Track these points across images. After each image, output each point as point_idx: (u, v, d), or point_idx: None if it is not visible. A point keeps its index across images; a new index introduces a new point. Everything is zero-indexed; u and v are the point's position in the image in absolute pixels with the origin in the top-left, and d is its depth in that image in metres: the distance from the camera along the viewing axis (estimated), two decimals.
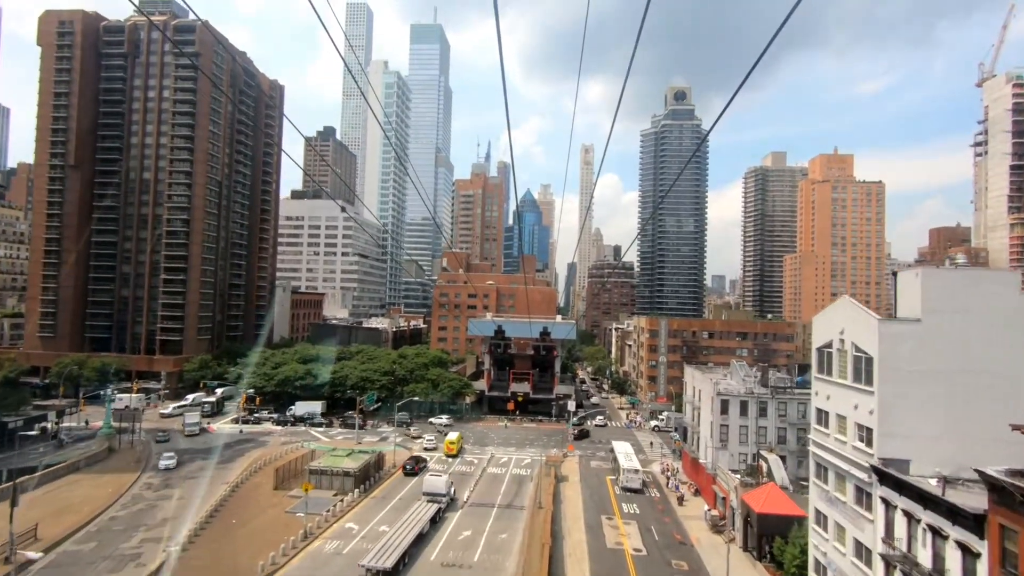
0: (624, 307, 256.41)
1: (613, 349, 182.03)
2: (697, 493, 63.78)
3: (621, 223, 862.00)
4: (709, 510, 56.81)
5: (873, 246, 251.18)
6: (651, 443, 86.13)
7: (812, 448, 36.77)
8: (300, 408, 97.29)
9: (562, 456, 76.47)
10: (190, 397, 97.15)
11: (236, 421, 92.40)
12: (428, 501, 52.51)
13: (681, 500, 61.27)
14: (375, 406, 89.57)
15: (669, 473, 69.26)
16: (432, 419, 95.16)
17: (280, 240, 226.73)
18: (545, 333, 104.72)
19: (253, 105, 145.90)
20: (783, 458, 57.18)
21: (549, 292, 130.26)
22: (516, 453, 79.66)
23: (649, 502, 61.78)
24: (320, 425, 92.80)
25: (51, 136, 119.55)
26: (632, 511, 58.68)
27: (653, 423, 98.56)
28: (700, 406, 65.44)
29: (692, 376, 69.74)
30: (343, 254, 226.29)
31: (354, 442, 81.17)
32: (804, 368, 68.52)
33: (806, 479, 57.67)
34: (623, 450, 74.27)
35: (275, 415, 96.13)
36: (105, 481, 59.36)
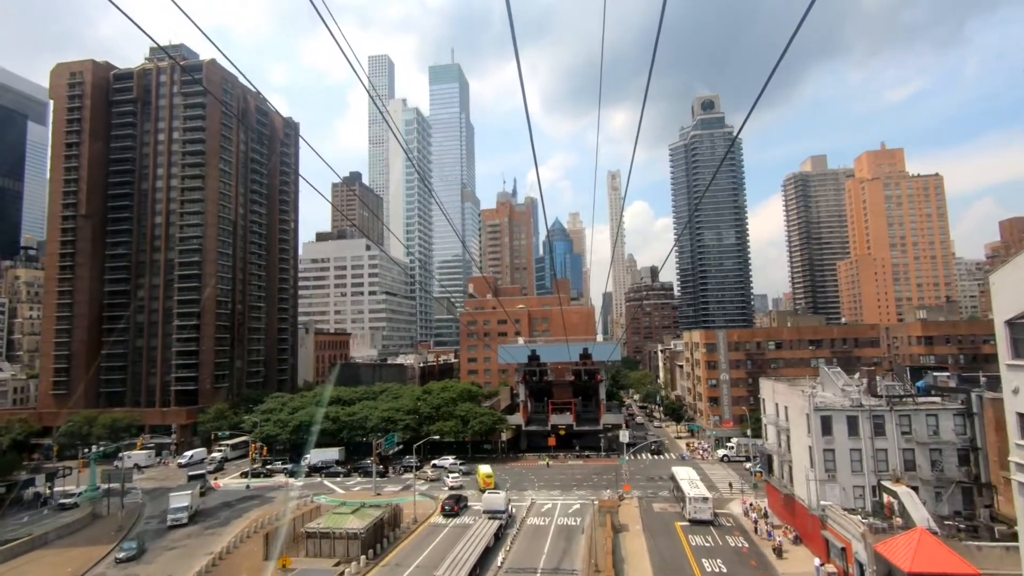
0: (666, 329, 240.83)
1: (661, 373, 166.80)
2: (798, 540, 49.54)
3: (655, 250, 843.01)
4: (822, 565, 42.79)
5: (937, 244, 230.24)
6: (730, 483, 70.09)
7: (1016, 476, 23.69)
8: (315, 456, 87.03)
9: (618, 499, 63.15)
10: (188, 454, 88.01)
11: (245, 475, 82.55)
12: (489, 518, 54.40)
13: (779, 551, 47.20)
14: (394, 449, 78.26)
15: (756, 515, 55.14)
16: (436, 461, 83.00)
17: (306, 283, 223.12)
18: (586, 356, 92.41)
19: (267, 143, 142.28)
20: (915, 489, 43.02)
21: (587, 312, 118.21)
22: (561, 497, 66.71)
23: (736, 555, 47.92)
24: (336, 475, 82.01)
25: (63, 187, 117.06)
26: (717, 569, 45.03)
27: (721, 453, 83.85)
28: (789, 427, 51.82)
29: (773, 391, 56.30)
30: (370, 293, 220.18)
31: (371, 493, 69.89)
32: (916, 372, 54.34)
33: (951, 519, 43.26)
34: (686, 476, 63.25)
35: (288, 465, 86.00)
36: (70, 557, 49.58)
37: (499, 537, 51.49)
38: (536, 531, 54.59)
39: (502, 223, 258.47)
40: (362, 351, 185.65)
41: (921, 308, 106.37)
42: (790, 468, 52.02)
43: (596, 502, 59.21)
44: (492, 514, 55.86)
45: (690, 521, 56.38)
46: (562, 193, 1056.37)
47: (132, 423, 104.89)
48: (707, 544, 50.38)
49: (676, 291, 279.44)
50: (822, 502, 44.38)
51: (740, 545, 49.99)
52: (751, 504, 58.47)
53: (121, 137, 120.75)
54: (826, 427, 45.91)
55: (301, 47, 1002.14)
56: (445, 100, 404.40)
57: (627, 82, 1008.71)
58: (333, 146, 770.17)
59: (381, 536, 50.01)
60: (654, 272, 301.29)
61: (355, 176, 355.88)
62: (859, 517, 41.70)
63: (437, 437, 78.43)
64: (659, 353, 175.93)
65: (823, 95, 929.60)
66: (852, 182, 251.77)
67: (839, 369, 53.78)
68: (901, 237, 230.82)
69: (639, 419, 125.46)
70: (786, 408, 52.70)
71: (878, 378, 50.78)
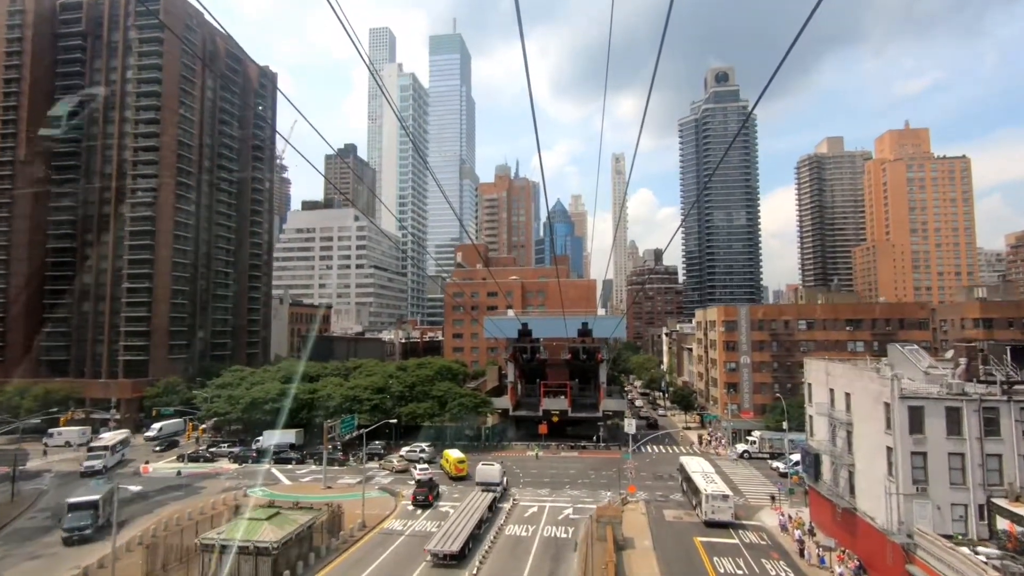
0: (669, 315, 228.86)
1: (665, 358, 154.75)
2: (862, 571, 37.29)
3: (658, 239, 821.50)
4: None
5: (961, 231, 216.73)
6: (772, 496, 53.37)
7: None
8: (269, 438, 74.99)
9: (620, 503, 50.97)
10: (106, 436, 75.76)
11: (181, 458, 70.53)
12: (483, 491, 51.48)
13: None
14: (352, 434, 65.68)
15: (799, 531, 42.86)
16: (405, 450, 70.22)
17: (290, 254, 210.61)
18: (585, 332, 79.59)
19: (240, 94, 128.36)
20: None
21: (587, 285, 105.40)
22: (551, 498, 54.51)
23: None
24: (288, 461, 69.92)
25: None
26: None
27: (741, 448, 71.60)
28: (852, 420, 39.35)
29: (827, 373, 43.71)
30: (358, 267, 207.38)
31: (321, 486, 57.77)
32: (1019, 353, 41.65)
33: None
34: (699, 468, 52.84)
35: (235, 449, 73.92)
36: None
37: (492, 510, 48.84)
38: (516, 545, 42.36)
39: (500, 198, 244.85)
40: (348, 326, 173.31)
41: (977, 287, 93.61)
42: (850, 474, 39.66)
43: (594, 509, 46.93)
44: (486, 486, 52.94)
45: (706, 524, 46.12)
46: (566, 179, 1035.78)
47: (70, 395, 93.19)
48: (739, 572, 38.13)
49: (680, 276, 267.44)
50: (866, 513, 31.80)
51: (782, 574, 37.79)
52: (790, 516, 46.20)
53: (68, 75, 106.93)
54: (915, 422, 33.40)
55: (304, 25, 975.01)
56: (445, 71, 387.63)
57: (637, 67, 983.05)
58: (332, 128, 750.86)
59: (308, 550, 37.78)
60: (658, 255, 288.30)
61: (349, 148, 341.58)
62: (966, 548, 29.40)
63: (395, 421, 65.82)
64: (663, 336, 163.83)
65: (834, 85, 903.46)
66: (872, 163, 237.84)
67: (917, 347, 41.14)
68: (923, 222, 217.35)
69: (639, 404, 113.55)
70: (848, 395, 40.21)
71: (973, 357, 38.14)
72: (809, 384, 47.36)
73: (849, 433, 39.94)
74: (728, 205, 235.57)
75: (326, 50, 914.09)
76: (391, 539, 43.49)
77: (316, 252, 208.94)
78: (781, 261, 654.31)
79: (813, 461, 45.09)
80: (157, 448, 76.24)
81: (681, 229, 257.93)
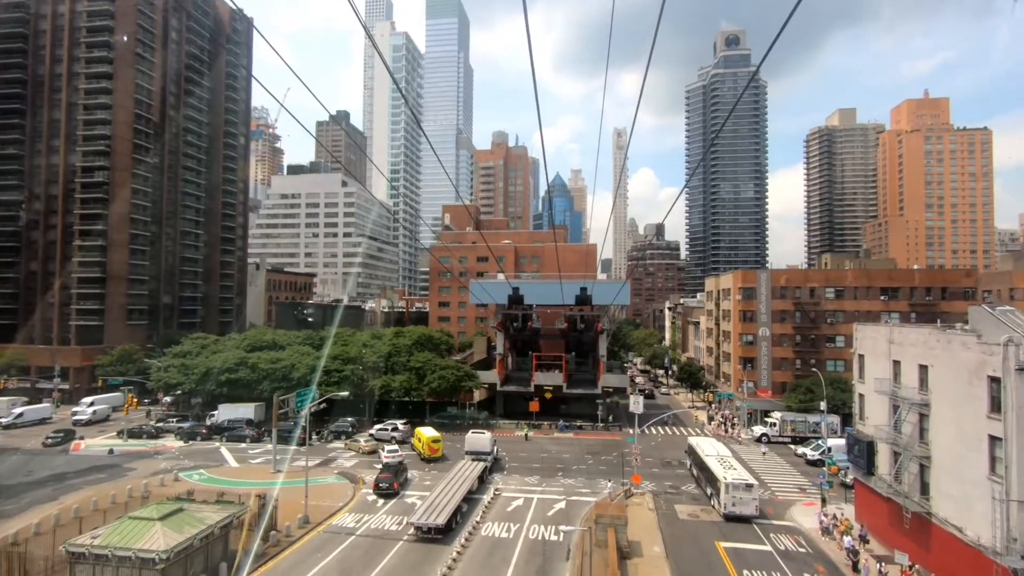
0: (671, 292, 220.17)
1: (668, 334, 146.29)
2: None
3: (658, 219, 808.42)
4: None
5: (979, 207, 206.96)
6: (824, 497, 41.42)
7: None
8: (224, 413, 66.59)
9: (624, 496, 42.42)
10: (17, 411, 66.36)
11: (121, 434, 61.85)
12: (473, 460, 48.48)
13: None
14: (308, 409, 56.86)
15: (849, 538, 34.19)
16: (376, 428, 61.95)
17: (274, 220, 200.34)
18: (584, 299, 70.26)
19: (209, 37, 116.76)
20: None
21: (587, 249, 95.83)
22: (541, 488, 45.88)
23: None
24: (242, 439, 61.28)
25: None
26: None
27: (758, 431, 63.04)
28: (930, 400, 30.41)
29: (890, 341, 34.64)
30: (346, 235, 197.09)
31: (269, 470, 49.16)
32: None
33: None
34: (713, 451, 44.86)
35: (186, 424, 65.22)
36: None
37: (483, 480, 46.25)
38: (493, 550, 33.69)
39: (497, 165, 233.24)
40: (325, 294, 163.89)
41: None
42: (923, 469, 30.90)
43: (592, 505, 38.34)
44: (476, 455, 49.86)
45: (725, 518, 38.12)
46: (567, 156, 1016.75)
47: (12, 362, 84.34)
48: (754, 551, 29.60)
49: (683, 252, 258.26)
50: (949, 522, 22.86)
51: None
52: (835, 518, 37.59)
53: (12, 7, 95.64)
54: None
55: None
56: (442, 36, 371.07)
57: (643, 43, 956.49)
58: (323, 101, 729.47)
59: (219, 557, 29.06)
60: (659, 228, 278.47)
61: (342, 115, 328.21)
62: None
63: (346, 394, 56.63)
64: (666, 311, 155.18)
65: (841, 66, 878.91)
66: (888, 134, 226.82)
67: (1012, 308, 32.01)
68: (939, 197, 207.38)
69: (640, 382, 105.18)
70: (923, 368, 31.21)
71: None
72: (861, 356, 38.34)
73: (923, 416, 31.07)
74: (736, 177, 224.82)
75: (319, 17, 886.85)
76: (338, 539, 34.82)
77: (302, 219, 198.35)
78: (782, 244, 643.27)
79: (865, 450, 36.30)
80: (49, 441, 57.56)
81: (685, 203, 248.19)
